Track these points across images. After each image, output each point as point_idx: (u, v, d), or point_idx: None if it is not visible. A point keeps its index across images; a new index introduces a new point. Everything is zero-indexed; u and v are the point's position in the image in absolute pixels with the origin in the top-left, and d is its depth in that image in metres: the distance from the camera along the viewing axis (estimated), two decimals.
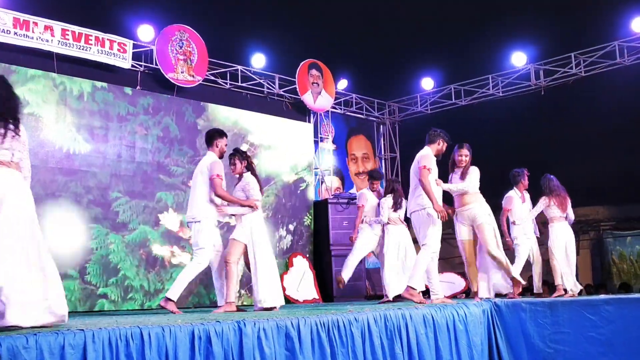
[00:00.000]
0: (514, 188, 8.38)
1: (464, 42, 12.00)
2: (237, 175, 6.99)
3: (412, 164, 7.03)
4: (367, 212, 8.51)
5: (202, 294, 9.91)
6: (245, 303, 10.19)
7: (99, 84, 9.47)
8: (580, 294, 8.17)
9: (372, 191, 8.75)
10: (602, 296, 7.55)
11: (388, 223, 8.28)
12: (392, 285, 8.04)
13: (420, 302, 6.55)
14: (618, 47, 11.16)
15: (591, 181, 8.67)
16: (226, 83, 11.35)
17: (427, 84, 13.53)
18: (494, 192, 8.10)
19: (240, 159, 6.94)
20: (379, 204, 8.46)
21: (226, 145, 6.92)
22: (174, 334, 3.91)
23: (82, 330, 3.52)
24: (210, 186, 6.55)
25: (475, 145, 7.63)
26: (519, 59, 12.26)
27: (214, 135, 6.85)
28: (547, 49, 11.80)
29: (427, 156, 6.88)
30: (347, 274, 8.41)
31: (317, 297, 10.85)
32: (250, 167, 6.96)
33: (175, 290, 6.43)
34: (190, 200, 6.73)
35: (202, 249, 6.52)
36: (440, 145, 7.03)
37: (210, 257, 6.63)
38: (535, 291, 8.45)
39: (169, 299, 6.41)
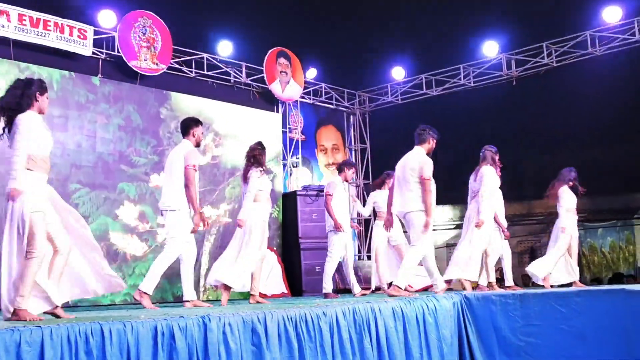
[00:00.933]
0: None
1: (435, 31, 11.93)
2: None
3: (403, 161, 6.99)
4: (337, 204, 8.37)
5: (165, 288, 9.66)
6: (210, 298, 9.98)
7: (59, 71, 9.17)
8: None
9: (345, 181, 8.59)
10: (573, 288, 7.56)
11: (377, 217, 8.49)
12: (386, 276, 8.41)
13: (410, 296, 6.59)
14: (590, 37, 11.15)
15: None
16: (191, 71, 11.13)
17: (398, 73, 13.42)
18: (465, 183, 8.07)
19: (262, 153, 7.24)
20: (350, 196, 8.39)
21: (202, 134, 6.83)
22: (135, 329, 3.80)
23: (39, 326, 3.44)
24: (184, 175, 6.41)
25: (446, 135, 7.58)
26: (490, 48, 12.23)
27: (189, 124, 6.72)
28: (518, 38, 11.78)
29: (428, 163, 6.86)
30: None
31: (285, 291, 10.66)
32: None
33: (148, 283, 6.32)
34: (165, 188, 6.59)
35: (173, 238, 6.43)
36: (431, 143, 7.05)
37: (181, 249, 6.48)
38: (507, 284, 8.38)
39: (144, 292, 6.29)
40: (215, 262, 7.22)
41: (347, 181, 8.60)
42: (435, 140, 7.05)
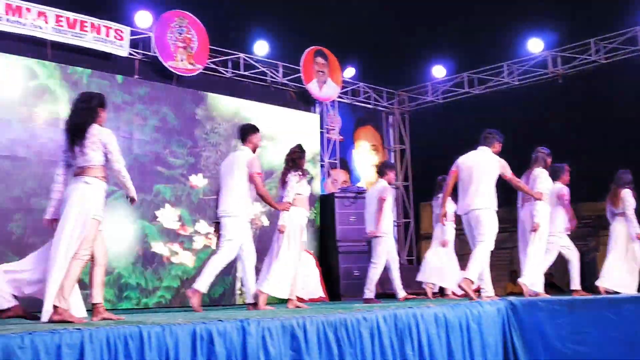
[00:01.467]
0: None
1: (477, 28, 11.67)
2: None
3: (469, 161, 7.04)
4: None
5: None
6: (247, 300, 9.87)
7: (96, 72, 9.23)
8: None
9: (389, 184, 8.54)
10: (623, 294, 7.35)
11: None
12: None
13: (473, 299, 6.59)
14: None
15: (613, 173, 8.41)
16: (227, 71, 11.11)
17: (439, 72, 13.24)
18: (505, 184, 7.82)
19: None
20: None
21: (260, 140, 6.88)
22: (174, 333, 3.82)
23: (79, 329, 3.46)
24: (251, 183, 6.54)
25: None
26: (535, 45, 11.96)
27: (248, 130, 6.80)
28: (564, 35, 11.51)
29: (502, 161, 7.03)
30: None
31: (323, 295, 10.50)
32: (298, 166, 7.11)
33: (203, 282, 6.37)
34: (224, 196, 6.62)
35: (230, 240, 6.46)
36: (497, 147, 7.14)
37: (237, 251, 6.56)
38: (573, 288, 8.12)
39: (197, 290, 6.37)
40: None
41: (390, 183, 8.54)
42: (500, 145, 7.15)
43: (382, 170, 8.67)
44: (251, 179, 6.50)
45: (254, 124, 7.03)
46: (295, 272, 7.06)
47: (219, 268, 6.46)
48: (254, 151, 6.73)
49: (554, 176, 8.03)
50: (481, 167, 6.94)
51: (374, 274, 8.25)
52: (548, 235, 7.54)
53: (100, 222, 4.74)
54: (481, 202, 6.84)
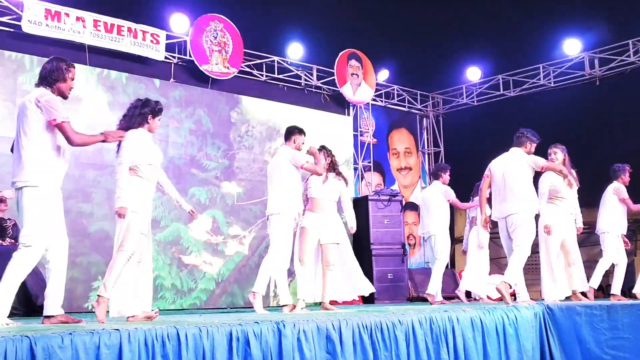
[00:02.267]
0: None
1: (512, 29, 11.51)
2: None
3: (500, 164, 6.89)
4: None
5: (236, 293, 9.64)
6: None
7: (132, 76, 9.39)
8: None
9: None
10: None
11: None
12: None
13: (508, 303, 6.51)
14: None
15: None
16: (262, 75, 11.16)
17: (474, 74, 13.11)
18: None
19: (325, 155, 7.08)
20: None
21: (303, 143, 6.88)
22: (211, 335, 3.82)
23: (118, 330, 3.49)
24: (307, 170, 6.71)
25: None
26: (572, 47, 11.78)
27: (293, 131, 6.87)
28: (601, 36, 11.28)
29: (531, 157, 6.83)
30: None
31: (356, 298, 10.46)
32: (334, 167, 7.10)
33: (259, 284, 6.44)
34: (270, 195, 6.69)
35: (276, 240, 6.48)
36: (528, 147, 6.90)
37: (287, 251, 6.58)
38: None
39: (257, 292, 6.42)
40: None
41: (446, 184, 8.51)
42: (533, 145, 6.90)
43: (435, 173, 8.76)
44: (305, 170, 6.63)
45: (300, 126, 7.03)
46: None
47: (271, 269, 6.49)
48: None
49: (614, 176, 8.00)
50: (513, 169, 6.78)
51: (440, 271, 8.24)
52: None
53: (139, 215, 4.91)
54: (516, 206, 6.69)
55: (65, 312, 4.52)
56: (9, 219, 7.69)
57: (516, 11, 11.37)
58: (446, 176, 8.53)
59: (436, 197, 8.41)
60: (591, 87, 11.72)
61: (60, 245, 4.46)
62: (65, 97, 4.67)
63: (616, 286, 7.88)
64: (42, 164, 4.34)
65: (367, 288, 7.36)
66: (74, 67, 4.72)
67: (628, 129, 11.10)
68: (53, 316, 4.39)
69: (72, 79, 4.69)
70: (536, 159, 6.78)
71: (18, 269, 4.25)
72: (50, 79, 4.57)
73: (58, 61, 4.63)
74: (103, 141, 4.81)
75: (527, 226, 6.66)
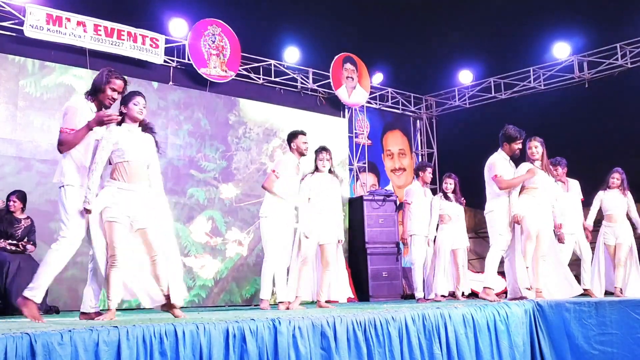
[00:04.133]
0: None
1: (503, 34, 11.63)
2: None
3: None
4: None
5: (233, 291, 9.77)
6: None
7: (131, 79, 9.38)
8: None
9: (425, 185, 8.37)
10: None
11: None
12: (441, 285, 8.13)
13: (494, 301, 6.55)
14: None
15: None
16: (259, 78, 11.25)
17: (466, 77, 13.27)
18: None
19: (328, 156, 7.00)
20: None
21: (304, 143, 6.83)
22: (208, 331, 3.85)
23: (116, 327, 3.51)
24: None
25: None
26: (561, 50, 11.94)
27: (289, 137, 6.92)
28: (590, 39, 11.44)
29: (494, 164, 6.87)
30: None
31: (352, 296, 10.61)
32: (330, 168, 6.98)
33: (264, 290, 6.68)
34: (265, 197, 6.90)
35: (267, 242, 6.65)
36: (507, 147, 6.91)
37: (277, 253, 6.65)
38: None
39: (262, 299, 6.68)
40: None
41: (427, 183, 8.35)
42: (513, 143, 6.86)
43: (416, 172, 8.52)
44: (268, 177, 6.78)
45: (295, 130, 7.00)
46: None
47: (270, 273, 6.67)
48: (300, 155, 6.84)
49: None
50: (486, 170, 6.97)
51: (416, 274, 8.17)
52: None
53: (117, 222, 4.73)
54: (488, 205, 6.93)
55: (66, 311, 4.64)
56: (27, 217, 7.74)
57: (507, 16, 11.45)
58: (427, 175, 8.30)
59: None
60: (580, 89, 11.86)
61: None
62: (105, 106, 4.74)
63: (587, 280, 8.02)
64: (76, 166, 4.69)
65: (344, 294, 7.20)
66: (117, 78, 4.70)
67: (616, 131, 11.26)
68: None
69: (114, 90, 4.68)
70: (493, 166, 6.82)
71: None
72: (92, 89, 4.71)
73: (103, 72, 4.70)
74: (90, 129, 4.67)
75: (493, 225, 6.82)
